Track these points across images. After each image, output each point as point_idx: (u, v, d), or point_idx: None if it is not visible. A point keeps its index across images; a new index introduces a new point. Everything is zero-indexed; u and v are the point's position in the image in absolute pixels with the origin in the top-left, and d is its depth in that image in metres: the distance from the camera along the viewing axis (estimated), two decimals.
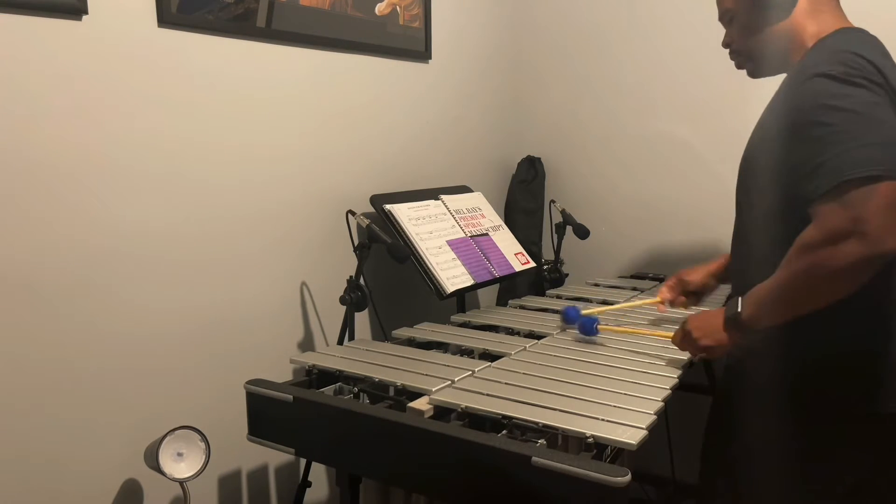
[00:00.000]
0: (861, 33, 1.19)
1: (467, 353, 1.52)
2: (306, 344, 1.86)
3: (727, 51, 1.38)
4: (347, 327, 1.69)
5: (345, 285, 1.68)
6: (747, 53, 1.32)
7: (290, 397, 1.23)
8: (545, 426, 1.08)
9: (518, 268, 2.02)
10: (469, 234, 1.97)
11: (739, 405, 1.25)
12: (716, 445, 1.32)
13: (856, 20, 1.24)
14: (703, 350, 1.29)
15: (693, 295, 1.64)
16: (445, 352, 1.53)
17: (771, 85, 1.30)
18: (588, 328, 1.52)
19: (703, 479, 1.36)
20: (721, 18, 1.35)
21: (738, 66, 1.36)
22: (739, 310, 1.21)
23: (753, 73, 1.34)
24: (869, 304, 1.12)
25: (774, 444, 1.19)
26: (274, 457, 1.81)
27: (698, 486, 1.39)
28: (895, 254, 1.02)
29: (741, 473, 1.24)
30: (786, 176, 1.14)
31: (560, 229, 2.22)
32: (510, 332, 1.66)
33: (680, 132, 2.29)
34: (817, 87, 1.09)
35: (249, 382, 1.29)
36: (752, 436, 1.22)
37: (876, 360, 1.13)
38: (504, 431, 1.10)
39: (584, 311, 1.62)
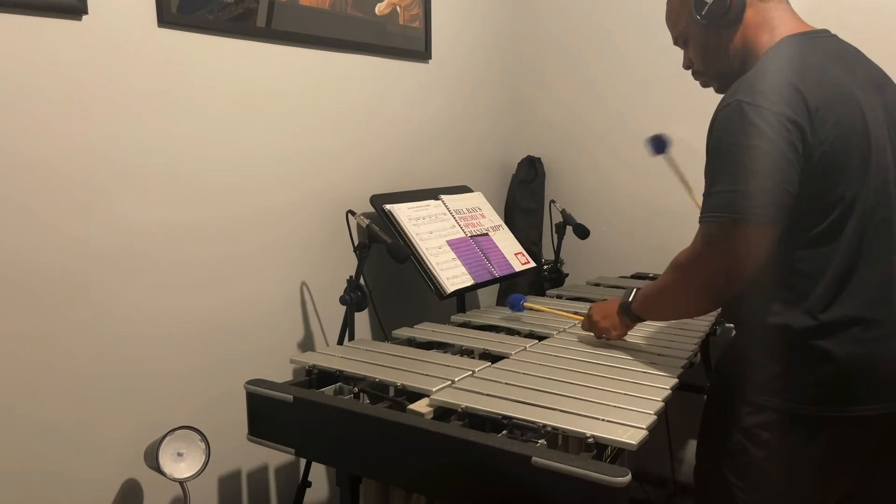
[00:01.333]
0: (804, 41, 1.19)
1: (467, 353, 1.52)
2: (306, 344, 1.86)
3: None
4: (347, 327, 1.69)
5: (345, 285, 1.68)
6: (710, 73, 1.32)
7: (290, 397, 1.23)
8: (545, 426, 1.08)
9: (518, 268, 2.02)
10: (469, 234, 1.97)
11: (732, 403, 1.25)
12: (710, 444, 1.32)
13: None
14: (602, 331, 1.48)
15: None
16: (445, 352, 1.53)
17: None
18: (515, 304, 1.74)
19: (698, 478, 1.36)
20: (676, 42, 1.35)
21: (704, 86, 1.36)
22: (631, 300, 1.41)
23: (719, 90, 1.32)
24: (842, 310, 1.13)
25: (768, 442, 1.19)
26: (274, 457, 1.81)
27: (695, 485, 1.39)
28: (735, 292, 1.19)
29: (735, 469, 1.24)
30: None
31: (560, 229, 2.22)
32: (510, 332, 1.66)
33: (680, 132, 2.29)
34: (724, 118, 1.14)
35: (249, 382, 1.29)
36: (744, 436, 1.22)
37: (852, 364, 1.14)
38: (504, 431, 1.10)
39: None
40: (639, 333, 1.58)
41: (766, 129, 1.10)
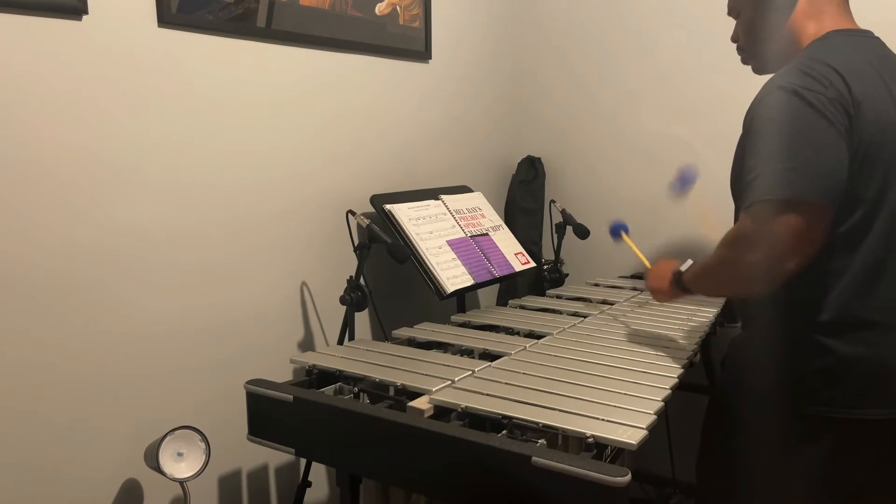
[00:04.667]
0: (849, 38, 1.19)
1: (467, 353, 1.52)
2: (306, 344, 1.86)
3: (724, 53, 1.39)
4: (347, 327, 1.69)
5: (345, 285, 1.68)
6: (750, 51, 1.34)
7: (290, 397, 1.23)
8: (545, 426, 1.08)
9: (518, 268, 2.02)
10: (469, 234, 1.97)
11: (736, 402, 1.25)
12: (713, 442, 1.32)
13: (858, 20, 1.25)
14: (651, 290, 1.52)
15: None
16: (445, 352, 1.53)
17: None
18: (616, 232, 1.88)
19: (700, 476, 1.36)
20: (729, 13, 1.37)
21: (744, 62, 1.37)
22: (684, 269, 1.41)
23: (756, 71, 1.35)
24: (858, 312, 1.13)
25: (774, 441, 1.19)
26: (274, 457, 1.81)
27: (697, 484, 1.39)
28: (791, 273, 1.12)
29: (739, 470, 1.24)
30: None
31: (560, 229, 2.22)
32: (510, 332, 1.66)
33: (679, 132, 2.29)
34: (774, 101, 1.13)
35: (249, 382, 1.29)
36: (749, 434, 1.22)
37: (862, 367, 1.14)
38: (504, 431, 1.10)
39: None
40: (639, 333, 1.58)
41: (823, 110, 1.09)
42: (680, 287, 1.41)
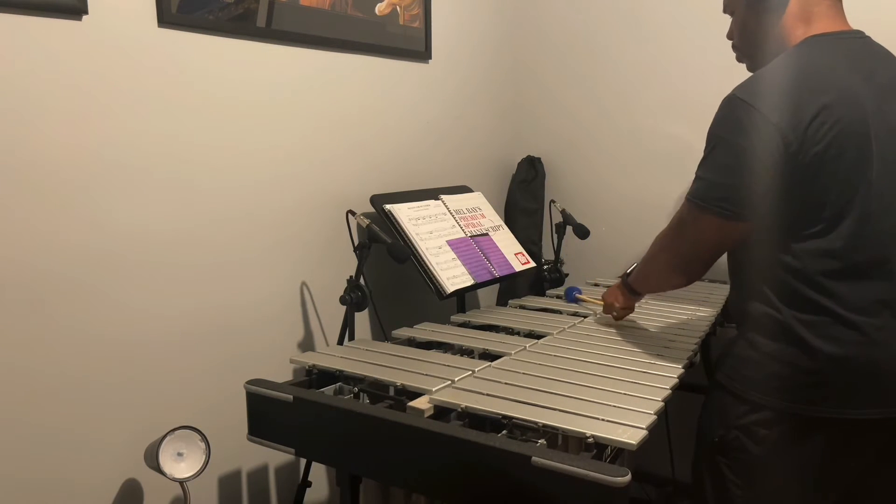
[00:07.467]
0: (826, 42, 1.19)
1: (467, 353, 1.52)
2: (306, 344, 1.86)
3: (724, 53, 1.40)
4: (347, 327, 1.69)
5: (345, 285, 1.68)
6: (744, 50, 1.35)
7: (290, 397, 1.23)
8: (545, 426, 1.08)
9: (518, 268, 2.02)
10: (469, 234, 1.97)
11: (729, 402, 1.25)
12: (708, 442, 1.32)
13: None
14: (610, 307, 1.63)
15: None
16: (445, 352, 1.53)
17: None
18: (570, 296, 1.93)
19: (695, 476, 1.36)
20: (725, 10, 1.38)
21: (738, 60, 1.39)
22: (629, 272, 1.54)
23: (750, 69, 1.35)
24: (841, 313, 1.13)
25: (765, 439, 1.19)
26: (274, 457, 1.81)
27: (692, 484, 1.39)
28: (696, 269, 1.30)
29: (732, 471, 1.24)
30: None
31: (560, 229, 2.22)
32: (510, 332, 1.66)
33: (679, 132, 2.29)
34: (722, 109, 1.19)
35: (249, 382, 1.29)
36: (741, 435, 1.22)
37: (847, 367, 1.14)
38: (504, 431, 1.10)
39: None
40: (639, 333, 1.58)
41: (750, 129, 1.12)
42: (627, 288, 1.55)
